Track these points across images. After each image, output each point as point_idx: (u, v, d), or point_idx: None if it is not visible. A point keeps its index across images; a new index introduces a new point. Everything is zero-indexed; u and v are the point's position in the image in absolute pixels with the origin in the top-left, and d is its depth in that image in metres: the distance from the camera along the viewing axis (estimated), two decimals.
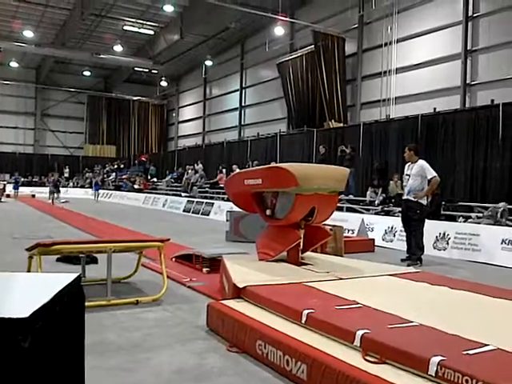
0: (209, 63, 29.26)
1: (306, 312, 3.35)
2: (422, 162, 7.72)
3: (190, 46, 28.04)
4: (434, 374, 2.45)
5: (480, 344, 2.71)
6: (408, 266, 7.09)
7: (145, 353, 3.44)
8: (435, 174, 7.56)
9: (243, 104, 27.65)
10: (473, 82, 15.26)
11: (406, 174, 7.82)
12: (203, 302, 4.51)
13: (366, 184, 14.21)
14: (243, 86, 27.68)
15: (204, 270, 6.19)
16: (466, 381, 2.30)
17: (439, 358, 2.47)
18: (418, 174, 7.63)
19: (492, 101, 12.58)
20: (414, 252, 7.64)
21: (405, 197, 7.82)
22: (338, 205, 13.47)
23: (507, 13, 14.17)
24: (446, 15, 15.95)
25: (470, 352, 2.60)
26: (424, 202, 7.70)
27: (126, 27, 27.30)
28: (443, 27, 16.09)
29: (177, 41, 26.43)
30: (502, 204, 9.21)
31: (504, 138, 11.21)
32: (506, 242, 7.90)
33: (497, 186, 10.69)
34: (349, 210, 12.84)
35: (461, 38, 15.42)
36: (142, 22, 26.48)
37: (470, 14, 15.29)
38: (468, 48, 15.32)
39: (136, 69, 32.85)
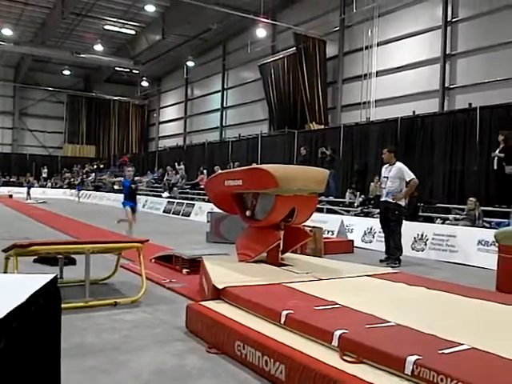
0: (190, 64, 29.18)
1: (284, 313, 3.37)
2: (400, 165, 7.82)
3: (171, 46, 27.93)
4: (410, 373, 2.48)
5: (455, 343, 2.75)
6: (389, 266, 7.21)
7: (123, 354, 3.42)
8: (413, 176, 7.67)
9: (225, 105, 27.64)
10: (451, 86, 15.50)
11: (384, 176, 7.91)
12: (182, 303, 4.49)
13: (346, 186, 14.33)
14: (225, 87, 27.67)
15: (184, 271, 6.17)
16: (441, 379, 2.34)
17: (415, 357, 2.51)
18: (396, 176, 7.72)
19: (470, 104, 12.80)
20: (393, 253, 7.74)
21: (383, 198, 7.91)
22: (319, 206, 13.56)
23: (485, 18, 14.43)
24: (425, 20, 16.17)
25: (446, 351, 2.64)
26: (402, 203, 7.81)
27: (106, 26, 27.03)
28: (423, 31, 16.32)
29: (158, 41, 26.29)
30: (470, 200, 9.41)
31: (481, 141, 11.41)
32: (482, 242, 8.05)
33: (474, 189, 10.87)
34: (329, 211, 12.93)
35: (440, 43, 15.65)
36: (123, 21, 26.26)
37: (449, 18, 15.53)
38: (447, 52, 15.56)
39: (117, 68, 32.56)
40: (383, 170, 8.07)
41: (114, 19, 26.00)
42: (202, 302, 4.09)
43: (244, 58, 24.26)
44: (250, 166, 5.67)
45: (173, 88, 33.71)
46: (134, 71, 32.69)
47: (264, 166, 5.18)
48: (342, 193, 14.08)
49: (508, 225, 8.29)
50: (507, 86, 13.41)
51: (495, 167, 10.12)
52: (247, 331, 3.32)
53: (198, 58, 28.88)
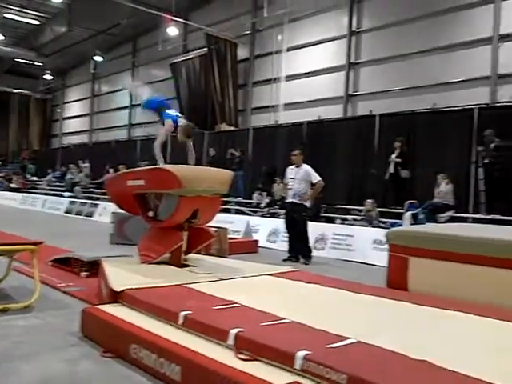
0: (98, 59, 28.07)
1: (182, 313, 3.36)
2: (307, 167, 8.09)
3: (78, 39, 26.66)
4: (299, 368, 2.58)
5: (343, 338, 2.90)
6: (305, 263, 7.74)
7: (13, 362, 3.23)
8: (320, 178, 7.98)
9: (133, 103, 26.95)
10: (354, 93, 16.27)
11: (291, 178, 8.11)
12: (79, 307, 4.30)
13: (254, 187, 14.57)
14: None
15: (82, 274, 5.94)
16: (327, 372, 2.46)
17: (305, 352, 2.61)
18: (303, 178, 7.98)
19: (370, 111, 13.56)
20: (304, 252, 8.01)
21: (290, 200, 8.10)
22: (226, 207, 13.72)
23: (387, 30, 15.29)
24: (332, 28, 16.81)
25: (334, 346, 2.77)
26: (308, 204, 8.09)
27: (7, 15, 25.29)
28: (330, 39, 16.94)
29: (64, 33, 25.08)
30: (368, 202, 9.98)
31: (380, 146, 12.13)
32: (377, 242, 8.55)
33: (372, 191, 11.53)
34: (237, 212, 13.06)
35: (345, 51, 16.37)
36: (26, 11, 24.68)
37: (353, 29, 16.28)
38: (351, 61, 16.29)
39: (17, 60, 30.56)
40: (289, 171, 8.26)
41: (17, 8, 24.40)
42: (98, 306, 3.96)
43: (155, 56, 23.80)
44: (152, 166, 5.56)
45: (79, 83, 32.25)
46: (36, 63, 30.87)
47: (167, 167, 5.14)
48: (251, 194, 14.30)
49: (400, 225, 8.88)
50: (405, 95, 14.33)
51: (392, 171, 10.80)
52: (143, 334, 3.27)
53: (107, 53, 27.88)
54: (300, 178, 7.98)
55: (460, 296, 4.12)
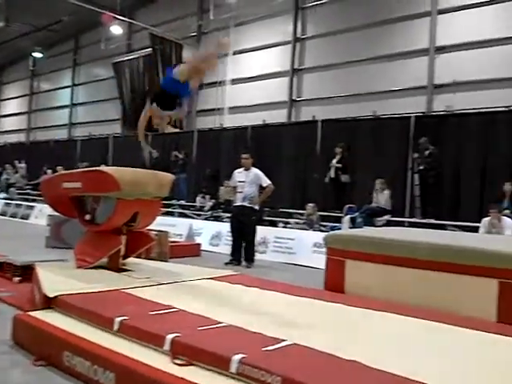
0: (38, 55, 27.05)
1: (118, 319, 3.29)
2: (257, 170, 8.15)
3: (16, 34, 25.54)
4: (235, 372, 2.59)
5: (279, 340, 2.95)
6: (247, 267, 7.77)
7: None
8: (270, 181, 8.06)
9: (75, 101, 26.14)
10: (298, 99, 16.53)
11: (240, 181, 8.12)
12: (10, 313, 4.12)
13: (198, 190, 14.49)
14: (75, 82, 26.16)
15: (15, 279, 5.69)
16: (262, 375, 2.49)
17: (240, 355, 2.63)
18: (253, 181, 8.04)
19: (313, 117, 13.83)
20: (246, 256, 8.04)
21: (239, 203, 8.10)
22: (170, 210, 13.58)
23: (329, 38, 15.64)
24: (278, 34, 16.99)
25: (270, 348, 2.81)
26: (257, 207, 8.15)
27: None
28: (275, 45, 17.13)
29: (1, 28, 23.91)
30: (309, 205, 10.20)
31: (322, 151, 12.39)
32: (317, 245, 8.72)
33: (314, 195, 11.75)
34: (180, 215, 12.95)
35: (289, 57, 16.61)
36: None
37: (298, 35, 16.56)
38: (295, 66, 16.56)
39: None
40: (237, 174, 8.26)
41: None
42: (30, 312, 3.81)
43: (97, 54, 23.17)
44: (90, 168, 5.43)
45: (16, 79, 30.90)
46: None
47: (105, 169, 5.04)
48: (194, 197, 14.22)
49: (340, 229, 9.11)
50: (347, 102, 14.72)
51: (332, 176, 11.06)
52: (76, 340, 3.18)
53: (47, 49, 26.90)
54: (250, 181, 8.03)
55: (394, 298, 4.28)
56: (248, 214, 7.99)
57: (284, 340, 2.95)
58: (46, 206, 14.58)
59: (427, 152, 10.18)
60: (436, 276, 4.22)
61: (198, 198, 13.70)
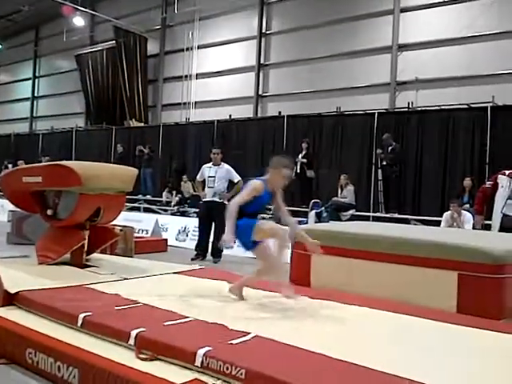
0: None
1: (82, 315, 3.25)
2: (227, 166, 8.13)
3: None
4: (199, 365, 2.61)
5: (244, 333, 2.98)
6: (214, 262, 7.78)
7: None
8: (240, 177, 8.06)
9: (36, 94, 25.47)
10: (264, 94, 16.59)
11: (210, 176, 8.08)
12: None
13: (165, 185, 14.37)
14: (37, 74, 25.49)
15: None
16: (227, 368, 2.52)
17: (206, 349, 2.65)
18: (224, 177, 8.01)
19: (279, 112, 13.89)
20: (214, 251, 8.03)
21: (209, 198, 8.06)
22: (135, 205, 13.43)
23: (294, 34, 15.75)
24: (243, 29, 17.00)
25: (234, 341, 2.84)
26: (227, 202, 8.14)
27: None
28: (241, 40, 17.12)
29: None
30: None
31: (287, 146, 12.48)
32: None
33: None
34: (146, 210, 12.82)
35: (255, 52, 16.63)
36: None
37: (263, 30, 16.59)
38: (261, 62, 16.59)
39: None
40: (206, 169, 8.19)
41: None
42: None
43: (59, 46, 22.63)
44: (51, 162, 5.32)
45: None
46: None
47: (67, 163, 4.93)
48: (160, 192, 14.09)
49: (306, 223, 9.18)
50: (313, 98, 14.87)
51: (298, 171, 11.14)
52: (39, 337, 3.13)
53: (6, 40, 26.07)
54: (221, 176, 8.01)
55: (358, 290, 4.36)
56: (217, 208, 7.97)
57: (249, 333, 2.98)
58: (7, 201, 14.21)
59: (390, 148, 10.40)
60: (398, 269, 4.31)
61: (165, 193, 13.59)
